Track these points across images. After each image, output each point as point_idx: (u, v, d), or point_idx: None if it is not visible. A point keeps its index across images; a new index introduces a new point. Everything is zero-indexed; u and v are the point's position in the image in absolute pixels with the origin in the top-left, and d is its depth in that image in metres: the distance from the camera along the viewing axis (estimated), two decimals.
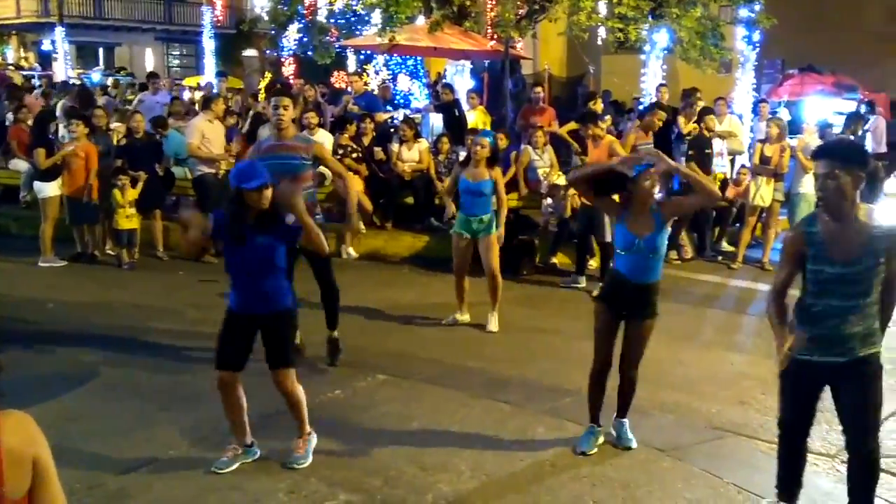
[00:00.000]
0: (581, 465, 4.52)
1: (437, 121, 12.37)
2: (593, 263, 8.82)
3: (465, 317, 7.04)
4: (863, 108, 14.54)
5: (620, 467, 4.50)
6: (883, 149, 14.24)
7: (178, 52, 33.43)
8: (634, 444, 4.68)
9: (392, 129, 11.70)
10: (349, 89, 13.39)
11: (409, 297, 8.12)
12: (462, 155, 10.35)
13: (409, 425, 5.01)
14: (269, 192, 4.12)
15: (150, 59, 26.34)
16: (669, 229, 4.58)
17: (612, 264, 4.72)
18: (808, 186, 8.92)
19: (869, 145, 13.96)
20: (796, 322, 3.71)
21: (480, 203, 6.80)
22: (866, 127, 14.51)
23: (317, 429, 4.90)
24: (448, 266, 7.46)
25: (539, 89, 12.43)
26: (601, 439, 4.74)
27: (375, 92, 13.61)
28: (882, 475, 4.52)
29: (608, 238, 8.05)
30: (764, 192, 9.56)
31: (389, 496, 4.15)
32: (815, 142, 9.71)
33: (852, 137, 11.05)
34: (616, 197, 4.59)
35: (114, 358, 6.02)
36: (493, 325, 6.83)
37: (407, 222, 10.33)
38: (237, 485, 4.18)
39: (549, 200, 10.03)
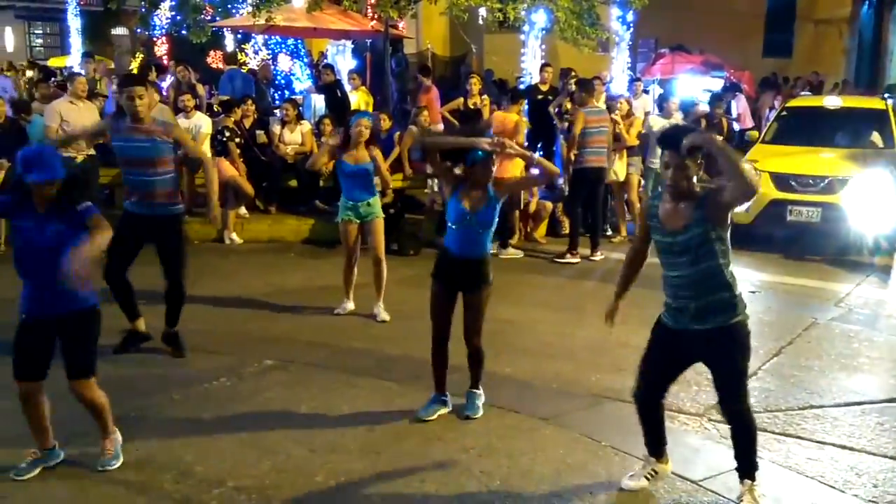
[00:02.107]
0: (467, 438, 4.64)
1: (319, 102, 12.24)
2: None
3: (351, 304, 6.94)
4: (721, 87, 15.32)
5: (505, 437, 4.65)
6: (749, 124, 15.05)
7: (41, 31, 31.53)
8: (476, 415, 4.84)
9: (274, 110, 11.51)
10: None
11: (295, 282, 8.05)
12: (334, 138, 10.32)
13: (297, 408, 5.01)
14: (56, 185, 3.79)
15: (9, 39, 24.78)
16: (499, 206, 4.70)
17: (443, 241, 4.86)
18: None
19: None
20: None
21: (364, 185, 6.65)
22: (734, 105, 15.30)
23: (203, 417, 4.85)
24: (334, 248, 7.45)
25: (425, 79, 12.38)
26: (443, 410, 4.91)
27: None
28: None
29: None
30: (617, 168, 9.94)
31: (279, 480, 4.15)
32: (678, 122, 10.20)
33: (720, 114, 11.46)
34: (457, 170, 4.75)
35: None
36: (383, 314, 6.72)
37: (291, 205, 10.21)
38: (118, 478, 4.07)
39: (435, 180, 10.13)
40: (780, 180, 9.34)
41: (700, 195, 3.73)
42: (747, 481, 3.90)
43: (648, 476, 4.18)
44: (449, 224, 4.70)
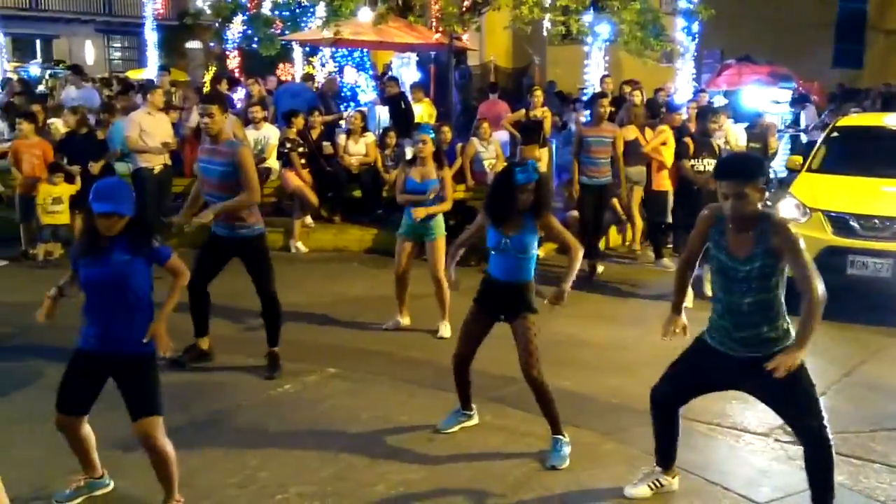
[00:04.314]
0: (527, 452, 4.64)
1: (383, 114, 12.40)
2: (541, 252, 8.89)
3: (405, 320, 6.90)
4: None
5: None
6: (818, 137, 14.69)
7: (119, 45, 32.72)
8: (562, 465, 4.47)
9: (340, 123, 11.72)
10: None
11: (358, 291, 8.17)
12: (409, 150, 10.46)
13: (358, 417, 5.08)
14: (119, 223, 3.65)
15: (90, 52, 25.72)
16: (537, 233, 4.55)
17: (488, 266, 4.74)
18: None
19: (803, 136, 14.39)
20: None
21: (426, 205, 6.57)
22: (802, 116, 14.97)
23: (267, 424, 4.96)
24: None
25: (492, 94, 12.52)
26: (465, 423, 4.92)
27: (317, 85, 13.49)
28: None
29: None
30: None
31: (340, 488, 4.21)
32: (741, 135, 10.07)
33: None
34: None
35: (56, 359, 5.90)
36: (445, 331, 6.62)
37: (355, 216, 10.37)
38: (186, 481, 4.17)
39: None
40: (838, 222, 7.34)
41: (765, 224, 3.57)
42: None
43: (653, 485, 4.15)
44: (490, 250, 4.62)
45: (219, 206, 5.52)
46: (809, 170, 8.48)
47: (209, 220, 5.47)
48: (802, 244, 3.58)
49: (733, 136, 10.29)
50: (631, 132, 9.40)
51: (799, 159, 8.92)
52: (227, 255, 5.80)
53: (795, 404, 3.69)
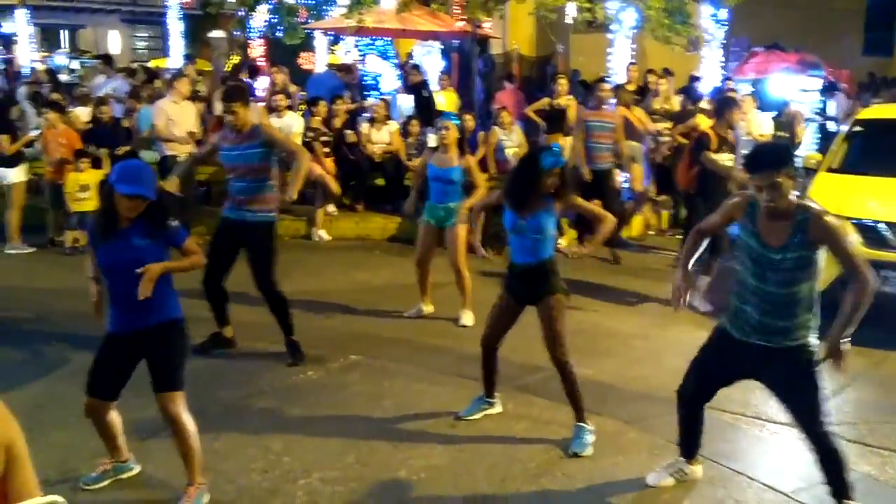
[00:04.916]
0: (550, 439, 4.63)
1: (406, 102, 12.38)
2: (563, 242, 8.86)
3: (428, 307, 6.91)
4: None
5: None
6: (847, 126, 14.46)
7: (144, 34, 32.92)
8: (584, 452, 4.47)
9: (363, 111, 11.71)
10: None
11: (381, 279, 8.18)
12: (431, 138, 10.44)
13: (381, 403, 5.10)
14: (141, 206, 3.66)
15: (115, 42, 25.87)
16: (555, 215, 4.54)
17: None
18: None
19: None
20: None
21: (448, 191, 6.58)
22: (829, 105, 14.74)
23: (290, 410, 4.98)
24: None
25: (508, 83, 12.52)
26: (487, 410, 4.91)
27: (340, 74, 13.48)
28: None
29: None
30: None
31: (363, 473, 4.23)
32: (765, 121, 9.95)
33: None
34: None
35: (82, 344, 5.98)
36: (467, 319, 6.63)
37: (378, 204, 10.38)
38: (210, 465, 4.19)
39: None
40: (867, 231, 6.35)
41: (803, 215, 3.51)
42: (846, 502, 3.70)
43: (676, 475, 4.13)
44: (508, 232, 4.61)
45: (297, 176, 5.62)
46: (830, 169, 7.43)
47: (295, 193, 5.63)
48: (843, 231, 3.57)
49: (756, 124, 10.18)
50: (621, 111, 9.47)
51: (818, 156, 7.96)
52: (237, 243, 5.77)
53: (801, 404, 3.69)
